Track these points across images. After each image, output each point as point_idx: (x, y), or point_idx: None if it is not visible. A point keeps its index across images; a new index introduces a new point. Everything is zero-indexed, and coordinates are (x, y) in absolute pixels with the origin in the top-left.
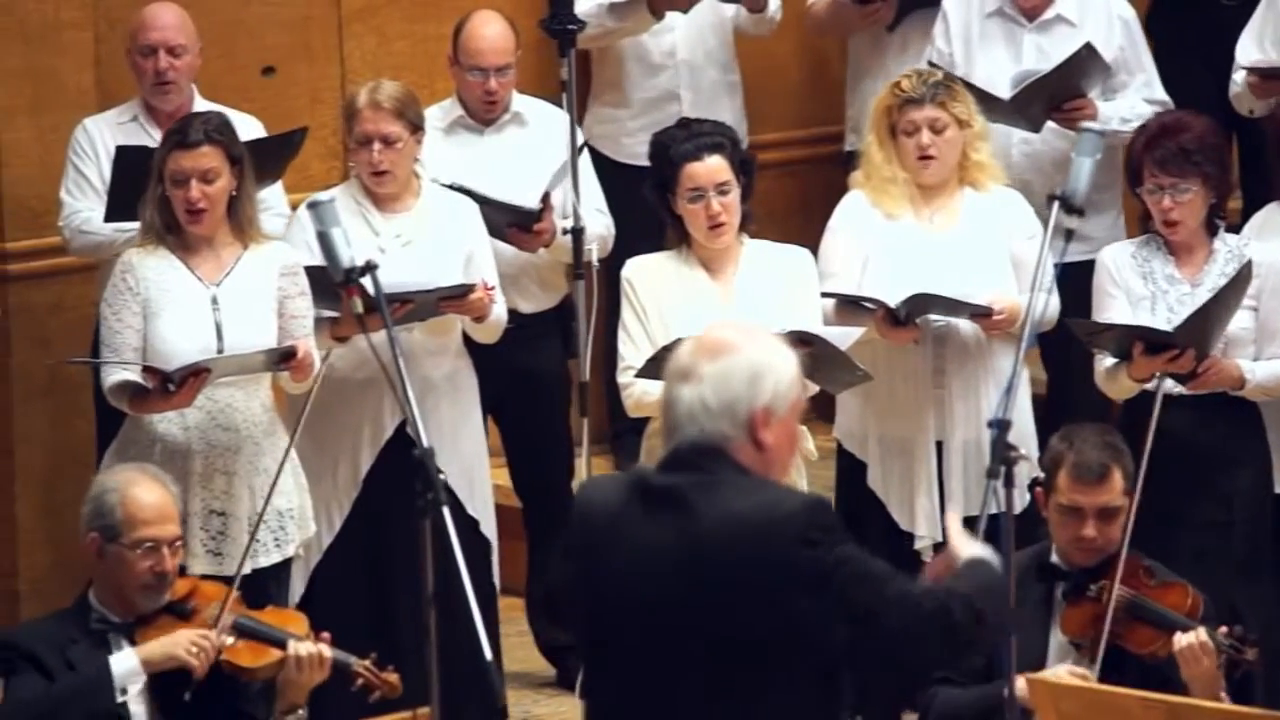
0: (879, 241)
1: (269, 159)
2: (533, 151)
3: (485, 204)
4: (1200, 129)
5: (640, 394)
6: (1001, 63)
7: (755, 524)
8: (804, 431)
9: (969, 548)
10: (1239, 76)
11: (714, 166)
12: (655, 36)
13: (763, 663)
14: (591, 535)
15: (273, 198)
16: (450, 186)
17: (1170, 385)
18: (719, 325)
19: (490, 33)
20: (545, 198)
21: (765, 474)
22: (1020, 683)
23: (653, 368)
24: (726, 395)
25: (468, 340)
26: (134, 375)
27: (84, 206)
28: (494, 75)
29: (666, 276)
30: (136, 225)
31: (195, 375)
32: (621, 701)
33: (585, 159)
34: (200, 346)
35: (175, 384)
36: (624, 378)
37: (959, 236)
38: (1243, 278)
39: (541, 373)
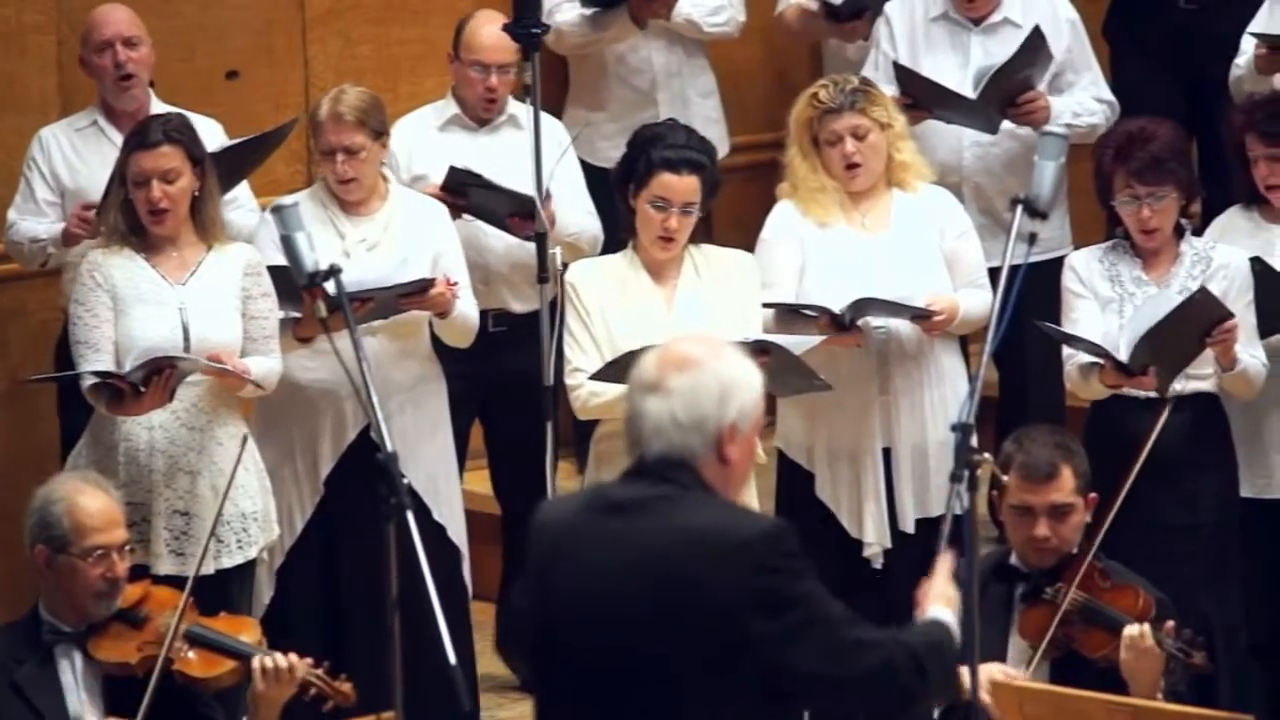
0: (814, 250)
1: (253, 154)
2: (527, 154)
3: (490, 190)
4: (1167, 135)
5: (588, 395)
6: (948, 67)
7: (714, 543)
8: None
9: (938, 606)
10: (1243, 60)
11: (688, 185)
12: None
13: (717, 682)
14: (545, 555)
15: (243, 194)
16: (459, 170)
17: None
18: (683, 338)
19: (494, 30)
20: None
21: (726, 487)
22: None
23: (612, 371)
24: (696, 412)
25: (438, 343)
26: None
27: (23, 223)
28: (495, 72)
29: (610, 279)
30: (41, 230)
31: (158, 373)
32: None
33: (575, 163)
34: (167, 345)
35: (142, 387)
36: (571, 380)
37: (892, 238)
38: (1194, 303)
39: (529, 374)
